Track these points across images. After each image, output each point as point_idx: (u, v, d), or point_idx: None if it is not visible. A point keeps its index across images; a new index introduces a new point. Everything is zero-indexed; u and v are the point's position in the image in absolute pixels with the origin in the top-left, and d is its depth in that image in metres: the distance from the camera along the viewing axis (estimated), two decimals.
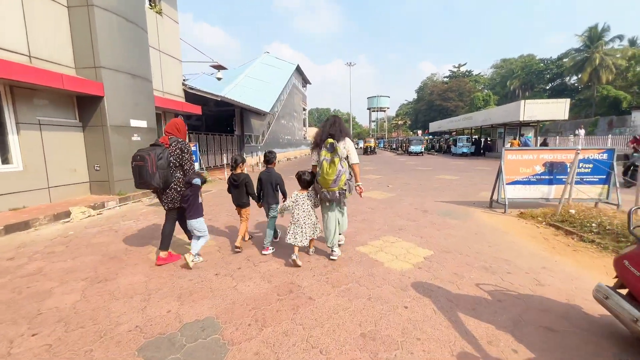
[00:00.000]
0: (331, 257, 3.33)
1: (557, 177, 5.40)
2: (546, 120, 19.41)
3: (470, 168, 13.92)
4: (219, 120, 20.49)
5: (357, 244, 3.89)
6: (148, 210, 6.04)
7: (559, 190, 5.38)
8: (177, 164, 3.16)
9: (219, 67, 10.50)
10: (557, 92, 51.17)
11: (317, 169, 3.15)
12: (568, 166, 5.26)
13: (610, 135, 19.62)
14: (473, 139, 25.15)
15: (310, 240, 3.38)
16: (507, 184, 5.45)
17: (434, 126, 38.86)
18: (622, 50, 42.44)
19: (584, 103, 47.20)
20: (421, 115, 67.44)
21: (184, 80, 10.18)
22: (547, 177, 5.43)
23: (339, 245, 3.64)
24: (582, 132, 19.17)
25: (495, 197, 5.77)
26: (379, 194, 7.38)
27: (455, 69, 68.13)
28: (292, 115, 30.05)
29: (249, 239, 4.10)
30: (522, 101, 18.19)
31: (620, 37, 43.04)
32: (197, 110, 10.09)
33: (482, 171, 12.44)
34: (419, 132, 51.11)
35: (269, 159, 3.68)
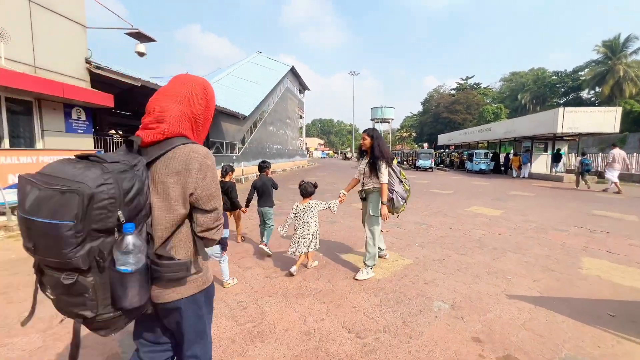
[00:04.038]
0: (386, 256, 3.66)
1: None
2: (590, 134, 15.77)
3: (503, 193, 10.23)
4: None
5: None
6: None
7: None
8: None
9: (141, 37, 7.05)
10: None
11: (406, 185, 3.33)
12: None
13: (636, 154, 15.87)
14: (492, 154, 21.52)
15: (308, 254, 3.32)
16: None
17: (443, 139, 35.33)
18: None
19: None
20: (427, 128, 64.25)
21: (90, 57, 6.74)
22: None
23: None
24: None
25: None
26: (380, 270, 3.71)
27: (462, 82, 65.26)
28: (285, 123, 26.69)
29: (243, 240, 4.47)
30: (561, 109, 14.64)
31: None
32: (105, 100, 6.63)
33: (525, 199, 8.75)
34: (425, 145, 47.80)
35: (262, 167, 4.19)
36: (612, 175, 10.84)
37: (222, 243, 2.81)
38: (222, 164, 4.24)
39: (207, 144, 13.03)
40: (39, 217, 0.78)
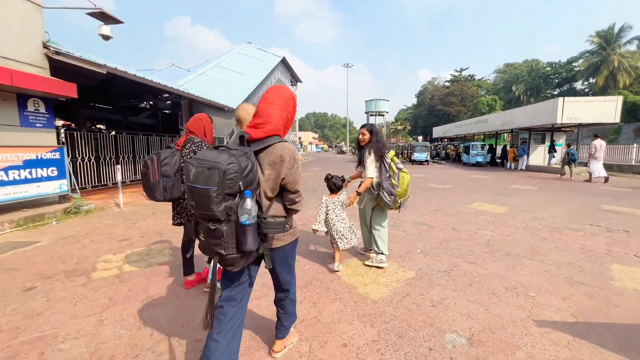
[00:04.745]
0: (381, 266, 3.25)
1: None
2: (591, 124, 15.36)
3: (503, 187, 9.75)
4: (177, 118, 16.24)
5: None
6: None
7: None
8: None
9: (105, 18, 6.22)
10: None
11: (393, 180, 3.11)
12: None
13: (636, 145, 15.63)
14: (488, 146, 21.11)
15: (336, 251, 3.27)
16: None
17: (438, 131, 34.88)
18: None
19: None
20: (421, 121, 63.83)
21: (48, 41, 5.95)
22: None
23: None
24: None
25: None
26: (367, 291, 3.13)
27: (457, 73, 64.69)
28: None
29: None
30: (561, 99, 14.18)
31: None
32: (66, 90, 5.87)
33: (527, 194, 8.26)
34: (420, 137, 47.38)
35: None
36: (596, 166, 11.17)
37: None
38: None
39: None
40: (197, 184, 1.25)
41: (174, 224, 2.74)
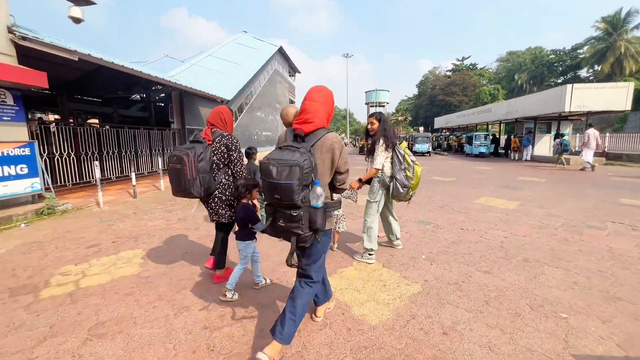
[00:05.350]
0: (369, 262, 3.22)
1: None
2: (600, 112, 14.74)
3: (510, 179, 9.25)
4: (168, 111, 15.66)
5: None
6: None
7: None
8: (222, 165, 2.61)
9: None
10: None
11: (408, 172, 3.06)
12: None
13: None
14: (492, 136, 20.52)
15: (335, 234, 3.51)
16: None
17: (440, 121, 34.18)
18: None
19: None
20: (422, 111, 62.88)
21: (13, 25, 5.38)
22: None
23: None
24: None
25: None
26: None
27: (458, 63, 63.36)
28: (274, 107, 25.20)
29: None
30: (569, 85, 13.53)
31: None
32: (35, 79, 5.32)
33: (537, 186, 7.76)
34: (421, 128, 46.62)
35: (250, 154, 4.20)
36: (588, 155, 11.57)
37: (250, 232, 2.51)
38: (246, 148, 4.11)
39: (184, 131, 11.74)
40: (281, 180, 1.48)
41: (212, 221, 2.68)
